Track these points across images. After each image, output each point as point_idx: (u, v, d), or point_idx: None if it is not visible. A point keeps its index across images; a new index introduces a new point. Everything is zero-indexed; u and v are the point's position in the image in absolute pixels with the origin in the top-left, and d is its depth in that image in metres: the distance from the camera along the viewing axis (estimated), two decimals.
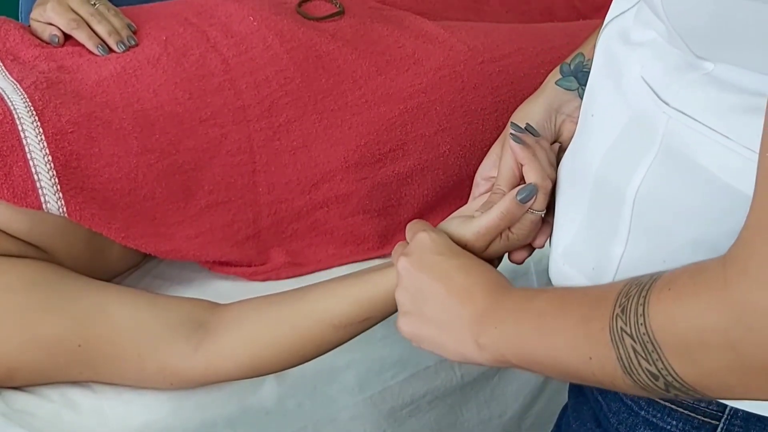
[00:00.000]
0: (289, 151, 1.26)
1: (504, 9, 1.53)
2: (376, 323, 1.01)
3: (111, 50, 1.26)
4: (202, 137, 1.22)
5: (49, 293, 1.08)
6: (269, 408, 1.17)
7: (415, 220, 0.90)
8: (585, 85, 0.85)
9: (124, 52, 1.26)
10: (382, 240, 1.31)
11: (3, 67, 1.20)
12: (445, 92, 1.31)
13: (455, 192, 1.33)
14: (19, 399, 1.08)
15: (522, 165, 0.88)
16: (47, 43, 1.27)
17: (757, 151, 0.59)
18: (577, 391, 0.88)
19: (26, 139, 1.11)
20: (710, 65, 0.65)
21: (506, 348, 0.73)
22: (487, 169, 0.95)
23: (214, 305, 1.09)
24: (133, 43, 1.27)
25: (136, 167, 1.17)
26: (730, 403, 0.71)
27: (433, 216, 1.32)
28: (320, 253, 1.29)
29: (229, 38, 1.28)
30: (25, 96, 1.15)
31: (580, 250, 0.79)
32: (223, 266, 1.26)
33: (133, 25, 1.29)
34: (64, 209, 1.11)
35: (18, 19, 1.30)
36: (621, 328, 0.62)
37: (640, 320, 0.60)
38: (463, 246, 0.87)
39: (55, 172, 1.11)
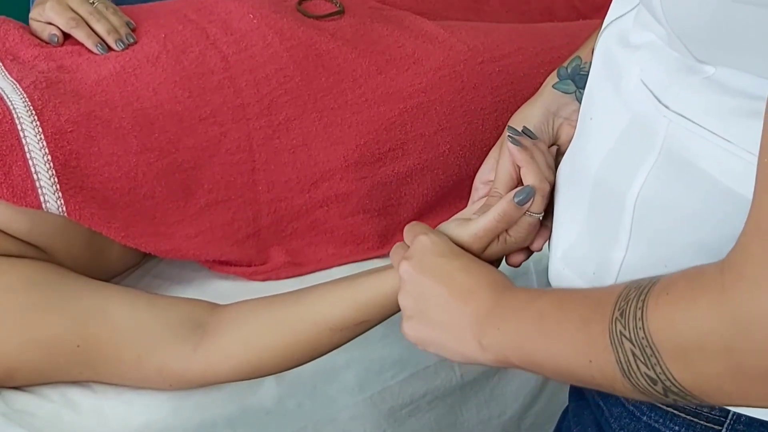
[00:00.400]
0: (289, 150, 1.26)
1: (504, 9, 1.53)
2: (374, 326, 1.01)
3: (110, 49, 1.25)
4: (202, 136, 1.22)
5: (49, 293, 1.08)
6: (269, 408, 1.17)
7: (413, 223, 0.90)
8: (582, 88, 0.84)
9: (123, 50, 1.25)
10: (382, 240, 1.31)
11: (2, 67, 1.20)
12: (445, 92, 1.30)
13: (455, 192, 1.33)
14: (19, 399, 1.09)
15: (520, 168, 0.87)
16: (46, 42, 1.27)
17: (757, 154, 0.59)
18: (578, 394, 0.87)
19: (25, 139, 1.11)
20: (711, 69, 0.65)
21: (508, 349, 0.73)
22: (485, 173, 0.95)
23: (213, 306, 1.09)
24: (132, 41, 1.27)
25: (136, 166, 1.17)
26: (733, 408, 0.70)
27: (433, 216, 1.32)
28: (320, 252, 1.29)
29: (229, 35, 1.28)
30: (25, 96, 1.14)
31: (580, 255, 0.79)
32: (223, 265, 1.26)
33: (132, 22, 1.29)
34: (64, 208, 1.10)
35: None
36: (620, 331, 0.62)
37: (639, 324, 0.60)
38: (461, 248, 0.86)
39: (54, 172, 1.11)
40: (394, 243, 1.30)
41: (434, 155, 1.31)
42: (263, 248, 1.28)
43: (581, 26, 1.44)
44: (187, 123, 1.21)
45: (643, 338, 0.60)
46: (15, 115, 1.12)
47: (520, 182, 0.88)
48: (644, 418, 0.75)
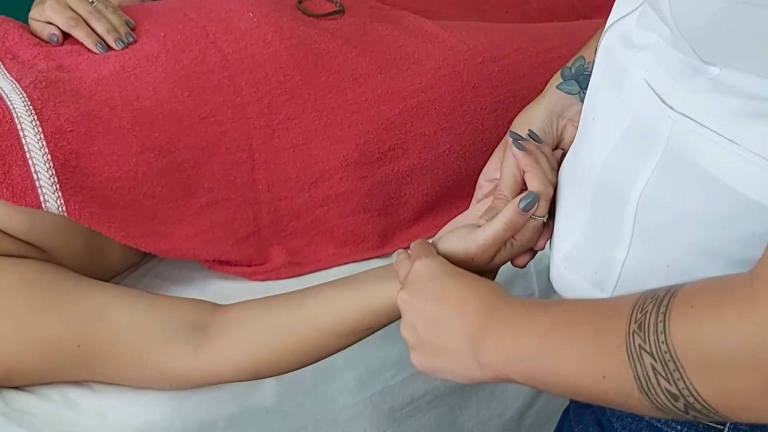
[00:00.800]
0: (289, 149, 1.26)
1: (503, 9, 1.53)
2: (379, 330, 1.00)
3: (110, 48, 1.25)
4: (202, 135, 1.21)
5: (49, 294, 1.07)
6: (269, 408, 1.17)
7: (418, 241, 0.88)
8: (586, 88, 0.84)
9: (122, 49, 1.25)
10: (382, 239, 1.31)
11: (2, 66, 1.20)
12: (445, 92, 1.30)
13: (455, 191, 1.33)
14: (19, 399, 1.09)
15: (524, 171, 0.87)
16: (46, 41, 1.27)
17: (763, 155, 0.59)
18: None
19: (25, 139, 1.11)
20: (716, 70, 0.65)
21: (508, 365, 0.71)
22: (490, 172, 0.95)
23: (215, 306, 1.09)
24: (131, 40, 1.27)
25: (136, 166, 1.17)
26: None
27: (433, 216, 1.32)
28: (320, 252, 1.29)
29: (229, 34, 1.28)
30: (24, 95, 1.14)
31: (582, 255, 0.78)
32: (223, 265, 1.26)
33: (132, 21, 1.29)
34: (64, 208, 1.10)
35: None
36: (639, 345, 0.60)
37: (661, 338, 0.59)
38: (470, 259, 0.86)
39: (54, 171, 1.11)
40: (395, 243, 1.31)
41: (434, 155, 1.31)
42: (263, 248, 1.27)
43: (581, 26, 1.44)
44: (186, 122, 1.21)
45: (666, 352, 0.58)
46: (15, 115, 1.12)
47: (524, 184, 0.88)
48: (646, 417, 0.75)
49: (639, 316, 0.61)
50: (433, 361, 0.78)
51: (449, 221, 0.97)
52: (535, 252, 0.92)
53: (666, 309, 0.59)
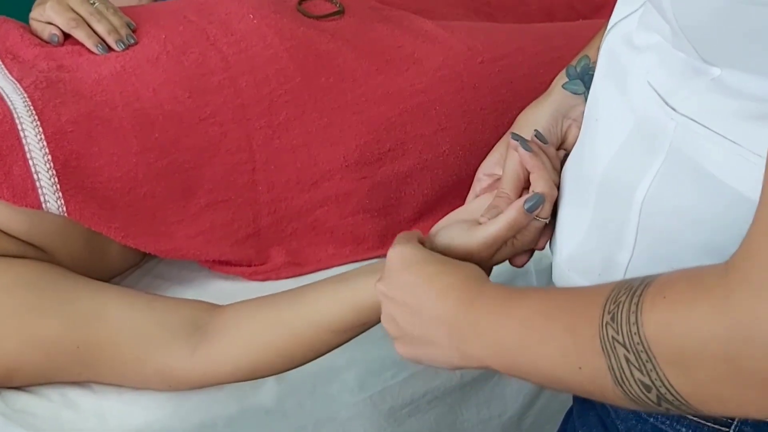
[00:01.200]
0: (289, 150, 1.26)
1: (503, 9, 1.53)
2: (376, 324, 1.00)
3: (110, 49, 1.25)
4: (202, 136, 1.22)
5: (49, 294, 1.08)
6: (269, 408, 1.17)
7: (402, 233, 0.87)
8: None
9: (123, 50, 1.25)
10: (382, 239, 1.31)
11: (3, 66, 1.20)
12: (445, 92, 1.31)
13: (455, 191, 1.32)
14: (19, 399, 1.09)
15: (529, 171, 0.87)
16: (47, 42, 1.27)
17: (764, 156, 0.59)
18: None
19: (26, 139, 1.11)
20: (717, 70, 0.65)
21: (488, 357, 0.71)
22: (489, 166, 0.94)
23: (213, 307, 1.09)
24: (132, 41, 1.27)
25: (136, 166, 1.17)
26: None
27: (433, 216, 1.32)
28: (320, 252, 1.29)
29: (229, 36, 1.28)
30: (25, 95, 1.14)
31: (586, 257, 0.78)
32: (223, 265, 1.26)
33: (133, 23, 1.29)
34: (64, 208, 1.10)
35: None
36: (612, 336, 0.59)
37: (633, 329, 0.58)
38: (469, 255, 0.85)
39: (54, 172, 1.11)
40: None
41: (434, 155, 1.31)
42: (263, 248, 1.28)
43: (581, 26, 1.44)
44: (187, 123, 1.21)
45: (638, 343, 0.58)
46: (15, 115, 1.12)
47: (527, 183, 0.88)
48: (651, 419, 0.74)
49: (612, 307, 0.60)
50: (416, 351, 0.78)
51: None
52: (533, 252, 0.91)
53: (639, 299, 0.58)
